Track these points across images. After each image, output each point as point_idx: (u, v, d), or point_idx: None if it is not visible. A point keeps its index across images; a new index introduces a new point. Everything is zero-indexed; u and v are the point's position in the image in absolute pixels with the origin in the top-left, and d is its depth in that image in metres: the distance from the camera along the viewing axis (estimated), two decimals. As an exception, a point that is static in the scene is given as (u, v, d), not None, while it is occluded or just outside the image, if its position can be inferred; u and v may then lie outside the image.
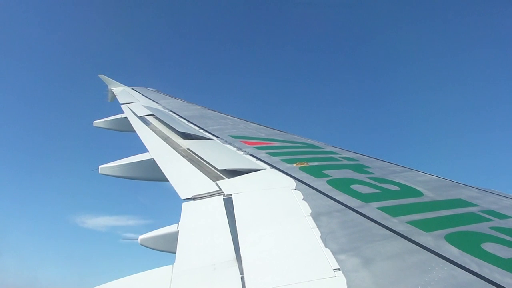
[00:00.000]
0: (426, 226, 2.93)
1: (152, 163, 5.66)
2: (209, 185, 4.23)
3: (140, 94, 12.45)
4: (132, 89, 13.61)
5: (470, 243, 2.70)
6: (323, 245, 2.68)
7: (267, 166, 4.70)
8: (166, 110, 9.57)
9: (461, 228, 2.97)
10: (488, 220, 3.19)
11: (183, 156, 5.57)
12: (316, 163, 4.99)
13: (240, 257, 2.66)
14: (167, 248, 3.84)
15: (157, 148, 6.24)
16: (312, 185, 3.95)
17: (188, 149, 5.89)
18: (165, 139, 6.72)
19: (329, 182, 4.08)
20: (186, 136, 6.65)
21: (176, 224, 3.59)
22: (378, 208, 3.30)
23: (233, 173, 4.51)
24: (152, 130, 7.54)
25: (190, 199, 3.93)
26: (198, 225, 3.44)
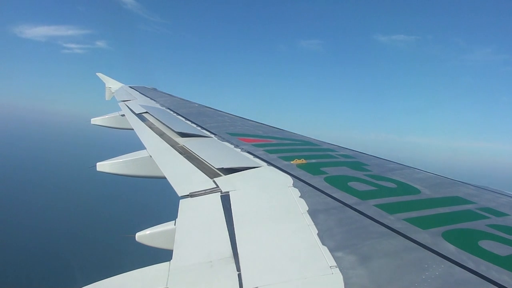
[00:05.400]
0: (423, 223, 2.93)
1: (149, 160, 5.65)
2: (207, 182, 4.23)
3: (138, 92, 12.44)
4: (130, 87, 13.61)
5: (467, 241, 2.70)
6: (320, 242, 2.67)
7: (265, 163, 4.69)
8: (164, 108, 9.56)
9: (458, 226, 2.98)
10: (485, 217, 3.20)
11: (181, 153, 5.56)
12: (313, 161, 4.99)
13: (237, 254, 2.66)
14: (164, 245, 3.83)
15: (154, 146, 6.23)
16: (309, 182, 3.95)
17: (185, 146, 5.88)
18: (163, 136, 6.71)
19: (326, 179, 4.08)
20: (183, 133, 6.63)
21: (174, 221, 3.58)
22: (375, 206, 3.30)
23: (230, 170, 4.50)
24: (150, 127, 7.53)
25: (187, 196, 3.92)
26: (195, 222, 3.43)
